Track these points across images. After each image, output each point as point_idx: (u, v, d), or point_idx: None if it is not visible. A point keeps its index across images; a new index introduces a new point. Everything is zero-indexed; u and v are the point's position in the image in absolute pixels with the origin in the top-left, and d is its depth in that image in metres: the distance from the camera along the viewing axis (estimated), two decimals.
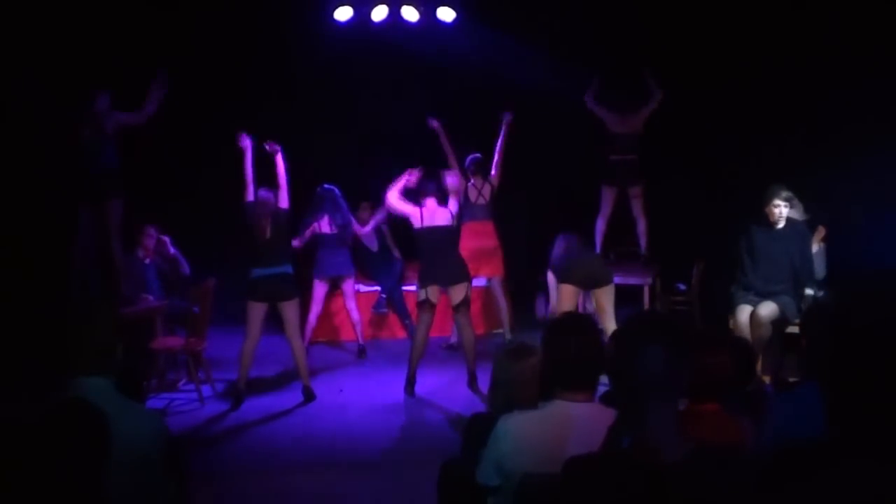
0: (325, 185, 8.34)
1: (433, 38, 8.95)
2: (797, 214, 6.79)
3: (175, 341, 7.21)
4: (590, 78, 8.88)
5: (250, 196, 6.83)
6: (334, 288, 8.54)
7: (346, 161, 9.42)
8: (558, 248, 7.17)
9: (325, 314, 8.92)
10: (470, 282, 7.14)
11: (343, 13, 8.82)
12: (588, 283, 6.95)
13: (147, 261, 7.81)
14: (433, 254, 6.96)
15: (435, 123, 7.61)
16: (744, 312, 6.64)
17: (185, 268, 8.01)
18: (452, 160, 7.51)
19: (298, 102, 9.39)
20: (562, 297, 6.93)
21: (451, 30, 9.00)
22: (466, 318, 7.10)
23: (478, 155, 8.28)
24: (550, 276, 7.29)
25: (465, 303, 7.06)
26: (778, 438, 3.03)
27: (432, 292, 6.98)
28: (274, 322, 7.31)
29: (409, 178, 7.08)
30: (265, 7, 8.80)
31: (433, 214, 6.97)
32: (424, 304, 7.00)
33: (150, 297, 7.59)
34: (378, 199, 9.00)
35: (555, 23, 8.81)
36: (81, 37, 7.65)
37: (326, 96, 9.41)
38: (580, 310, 7.48)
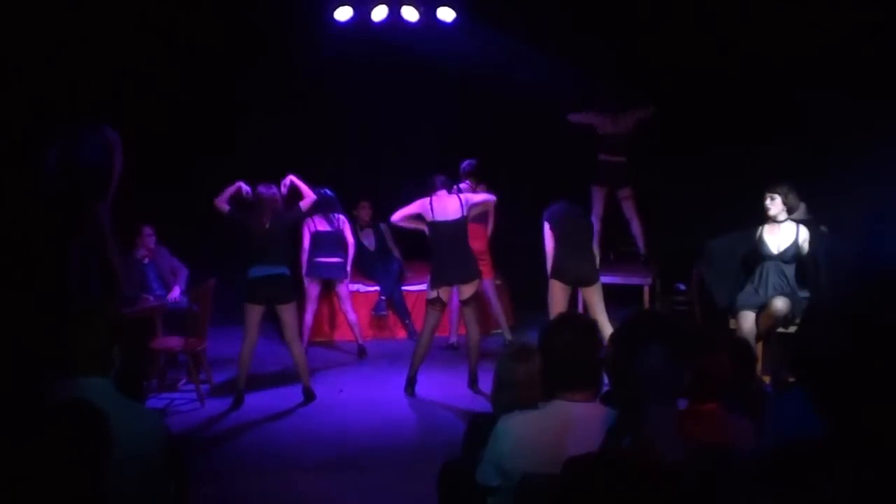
0: (322, 190, 8.33)
1: (433, 38, 8.94)
2: (801, 215, 6.78)
3: (175, 341, 7.21)
4: (587, 79, 8.88)
5: (225, 206, 6.91)
6: (328, 288, 8.52)
7: (346, 160, 9.42)
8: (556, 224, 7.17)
9: (324, 315, 8.92)
10: (480, 279, 7.18)
11: (343, 13, 8.81)
12: (577, 282, 7.04)
13: (146, 261, 7.81)
14: (445, 251, 6.96)
15: None
16: (747, 320, 6.61)
17: (174, 267, 7.97)
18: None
19: (298, 102, 9.38)
20: (553, 294, 6.97)
21: (451, 30, 8.99)
22: (473, 314, 7.12)
23: (473, 160, 8.26)
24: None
25: (475, 298, 7.09)
26: (778, 438, 3.03)
27: (444, 292, 6.99)
28: (273, 322, 7.32)
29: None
30: (265, 7, 8.80)
31: (444, 206, 6.94)
32: (435, 303, 7.01)
33: (150, 297, 7.59)
34: (377, 199, 9.04)
35: (554, 23, 8.80)
36: (75, 35, 7.64)
37: (326, 96, 9.40)
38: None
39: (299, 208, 7.08)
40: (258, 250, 6.82)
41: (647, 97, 8.75)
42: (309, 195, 7.08)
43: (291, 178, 7.15)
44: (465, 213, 6.99)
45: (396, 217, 7.08)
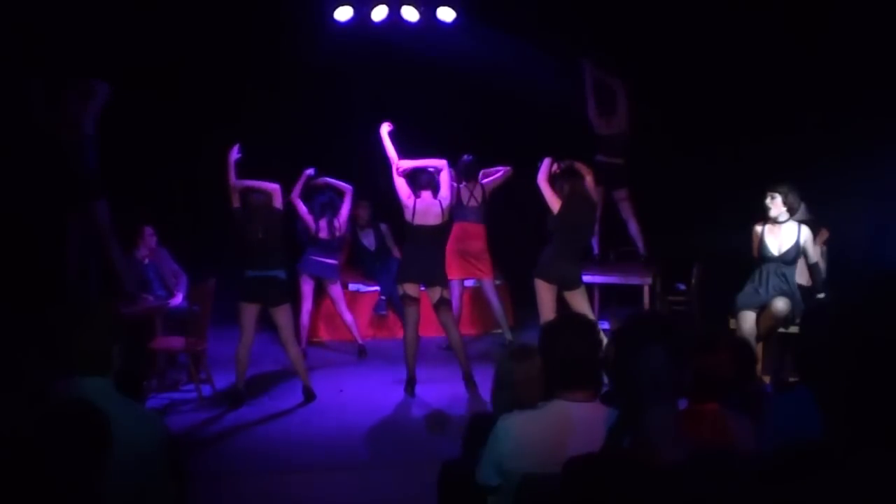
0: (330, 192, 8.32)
1: (433, 38, 8.93)
2: (801, 215, 6.79)
3: (175, 341, 7.21)
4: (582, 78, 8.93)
5: (236, 202, 6.88)
6: (321, 287, 8.51)
7: (345, 160, 9.41)
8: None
9: (323, 314, 8.92)
10: (446, 285, 7.14)
11: (343, 13, 8.81)
12: (561, 284, 6.99)
13: (147, 261, 7.80)
14: (415, 253, 7.02)
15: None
16: (747, 320, 6.63)
17: (174, 271, 7.96)
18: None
19: (298, 102, 9.38)
20: (541, 295, 6.97)
21: (451, 30, 8.99)
22: (448, 317, 7.13)
23: (470, 157, 8.26)
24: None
25: (444, 302, 7.09)
26: (778, 438, 3.03)
27: (409, 288, 7.01)
28: (271, 323, 7.31)
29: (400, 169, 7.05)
30: (265, 6, 8.79)
31: (426, 210, 6.96)
32: (405, 299, 7.05)
33: (150, 297, 7.59)
34: (377, 199, 9.02)
35: (554, 23, 8.80)
36: (74, 32, 7.63)
37: (326, 96, 9.40)
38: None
39: (278, 209, 6.96)
40: (253, 256, 6.82)
41: (613, 71, 8.80)
42: (274, 188, 6.96)
43: (246, 183, 6.96)
44: (444, 219, 7.06)
45: (398, 176, 7.03)
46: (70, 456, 2.43)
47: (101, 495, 2.46)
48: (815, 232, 6.82)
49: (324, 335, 8.98)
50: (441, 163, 7.19)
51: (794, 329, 6.51)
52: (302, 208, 8.00)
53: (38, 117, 7.16)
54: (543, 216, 7.18)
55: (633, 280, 8.40)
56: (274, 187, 6.94)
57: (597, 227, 8.72)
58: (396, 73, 9.35)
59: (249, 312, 6.82)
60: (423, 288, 7.08)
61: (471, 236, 8.34)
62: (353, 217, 8.97)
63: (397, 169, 7.04)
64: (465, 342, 7.31)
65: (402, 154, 7.19)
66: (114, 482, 2.57)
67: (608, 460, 2.27)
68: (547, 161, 7.02)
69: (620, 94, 8.79)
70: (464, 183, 8.24)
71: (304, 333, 8.32)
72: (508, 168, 8.21)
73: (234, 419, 6.60)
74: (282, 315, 6.89)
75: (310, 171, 7.93)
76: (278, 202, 6.94)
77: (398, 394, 7.08)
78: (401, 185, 7.04)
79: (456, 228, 8.16)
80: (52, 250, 7.46)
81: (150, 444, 2.87)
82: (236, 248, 6.94)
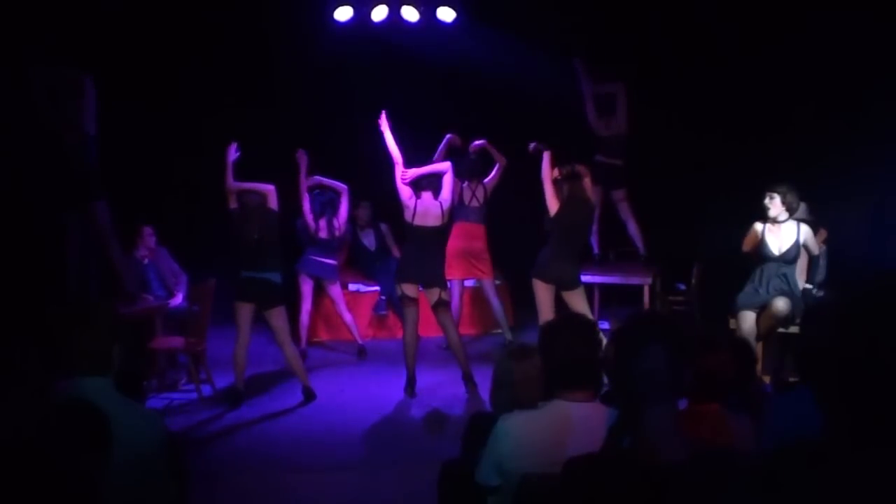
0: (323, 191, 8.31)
1: (433, 38, 8.94)
2: (801, 215, 6.79)
3: (175, 341, 7.21)
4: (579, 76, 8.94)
5: (233, 204, 6.88)
6: (320, 288, 8.51)
7: (345, 160, 9.41)
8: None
9: (323, 315, 8.92)
10: (444, 287, 7.14)
11: (343, 13, 8.81)
12: (558, 284, 6.99)
13: (146, 261, 7.81)
14: (414, 253, 7.03)
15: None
16: (747, 320, 6.63)
17: (174, 270, 7.96)
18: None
19: (297, 102, 9.38)
20: (539, 295, 6.98)
21: (450, 30, 8.99)
22: (447, 318, 7.13)
23: (473, 157, 8.27)
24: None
25: (442, 303, 7.09)
26: (778, 438, 3.03)
27: (408, 288, 7.01)
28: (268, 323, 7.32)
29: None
30: (265, 6, 8.79)
31: (426, 212, 6.97)
32: (404, 300, 7.06)
33: (150, 297, 7.60)
34: (377, 199, 9.03)
35: (555, 23, 8.80)
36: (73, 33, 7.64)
37: (325, 96, 9.40)
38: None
39: (274, 210, 6.94)
40: (249, 257, 6.83)
41: (612, 76, 8.82)
42: (269, 189, 6.95)
43: (242, 185, 6.96)
44: (444, 221, 7.07)
45: (401, 185, 7.01)
46: (70, 456, 2.43)
47: (101, 495, 2.45)
48: (815, 231, 6.83)
49: (323, 335, 8.98)
50: (445, 166, 7.20)
51: (794, 329, 6.52)
52: (307, 205, 8.00)
53: (42, 112, 7.15)
54: (543, 216, 7.19)
55: (633, 280, 8.40)
56: (269, 188, 6.93)
57: (595, 227, 8.72)
58: (396, 73, 9.35)
59: (244, 312, 6.83)
60: (421, 289, 7.09)
61: (471, 236, 8.35)
62: (353, 217, 8.96)
63: (402, 177, 7.02)
64: (464, 342, 7.32)
65: (403, 152, 7.17)
66: (114, 482, 2.56)
67: (608, 460, 2.27)
68: (547, 155, 7.01)
69: (620, 96, 8.81)
70: (466, 182, 8.25)
71: (303, 333, 8.32)
72: (503, 160, 8.21)
73: (233, 418, 6.61)
74: (276, 317, 6.89)
75: (304, 157, 7.85)
76: (274, 203, 6.93)
77: (398, 394, 7.08)
78: (403, 190, 7.04)
79: (457, 228, 8.17)
80: (52, 250, 7.46)
81: (150, 443, 2.87)
82: (233, 248, 6.94)
